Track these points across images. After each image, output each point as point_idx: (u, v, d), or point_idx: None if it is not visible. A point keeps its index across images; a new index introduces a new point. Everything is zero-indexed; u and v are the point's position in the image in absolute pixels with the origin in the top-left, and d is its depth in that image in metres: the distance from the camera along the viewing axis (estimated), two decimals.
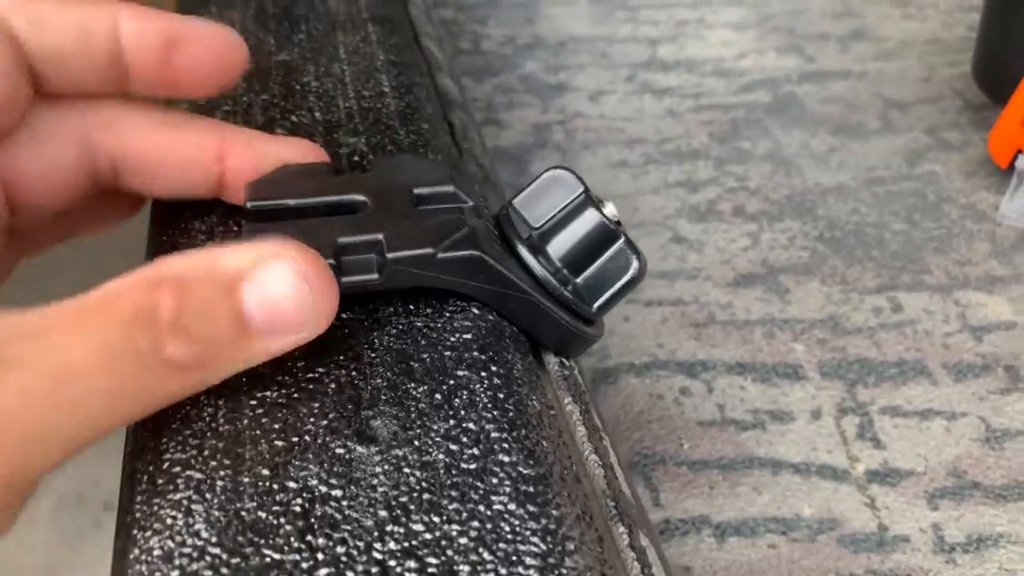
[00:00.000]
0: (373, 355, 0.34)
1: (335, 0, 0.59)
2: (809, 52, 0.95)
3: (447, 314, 0.36)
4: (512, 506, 0.28)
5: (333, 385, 0.33)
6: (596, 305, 0.39)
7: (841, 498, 0.53)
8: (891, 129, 0.83)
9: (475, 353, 0.34)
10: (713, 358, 0.63)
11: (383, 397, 0.32)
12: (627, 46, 0.96)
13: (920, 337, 0.63)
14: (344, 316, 0.36)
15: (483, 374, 0.33)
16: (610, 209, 0.40)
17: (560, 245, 0.39)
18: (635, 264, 0.39)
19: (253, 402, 0.32)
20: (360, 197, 0.38)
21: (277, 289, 0.30)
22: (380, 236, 0.36)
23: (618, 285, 0.39)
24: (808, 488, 0.54)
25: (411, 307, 0.37)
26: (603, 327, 0.42)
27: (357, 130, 0.47)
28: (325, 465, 0.30)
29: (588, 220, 0.39)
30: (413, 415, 0.32)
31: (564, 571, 0.27)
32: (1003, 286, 0.66)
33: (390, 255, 0.35)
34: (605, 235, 0.39)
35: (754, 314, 0.66)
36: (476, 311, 0.37)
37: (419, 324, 0.36)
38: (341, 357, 0.34)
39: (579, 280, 0.39)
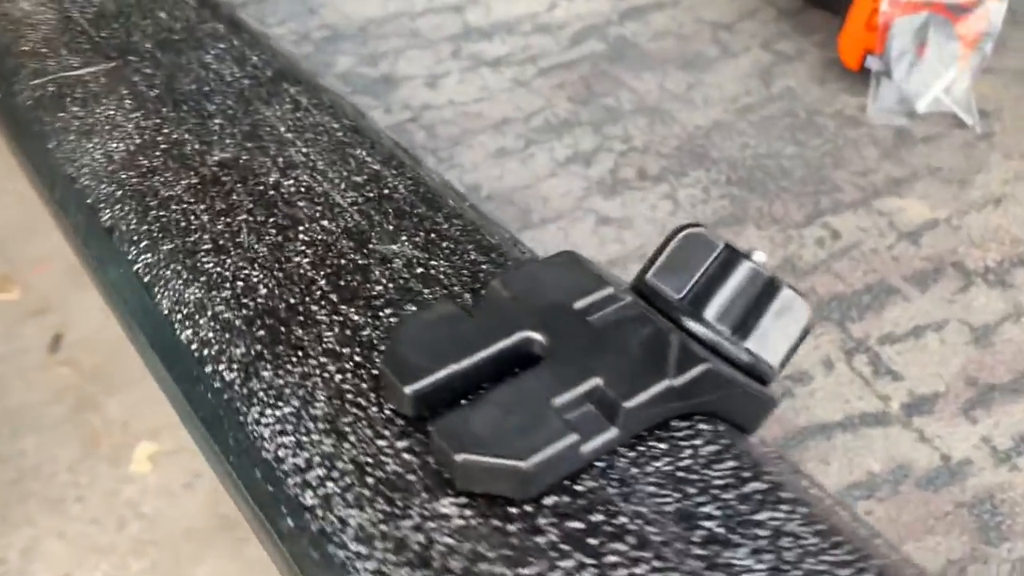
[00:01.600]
0: (656, 531, 0.28)
1: (216, 62, 0.48)
2: None
3: (683, 442, 0.31)
4: None
5: None
6: (779, 363, 0.36)
7: (896, 442, 0.55)
8: (729, 52, 0.84)
9: (754, 484, 0.30)
10: None
11: None
12: (432, 18, 0.89)
13: (870, 257, 0.65)
14: (582, 489, 0.30)
15: (784, 507, 0.29)
16: (760, 257, 0.36)
17: (718, 308, 0.35)
18: (806, 310, 0.36)
19: None
20: (530, 334, 0.31)
21: None
22: (597, 381, 0.30)
23: (796, 336, 0.36)
24: (864, 442, 0.55)
25: (641, 449, 0.31)
26: None
27: (389, 232, 0.39)
28: None
29: (742, 275, 0.35)
30: None
31: None
32: (908, 186, 0.70)
33: (626, 403, 0.29)
34: (766, 287, 0.35)
35: None
36: (703, 425, 0.32)
37: (668, 468, 0.30)
38: (625, 547, 0.28)
39: (750, 341, 0.35)
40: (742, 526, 0.29)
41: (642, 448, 0.31)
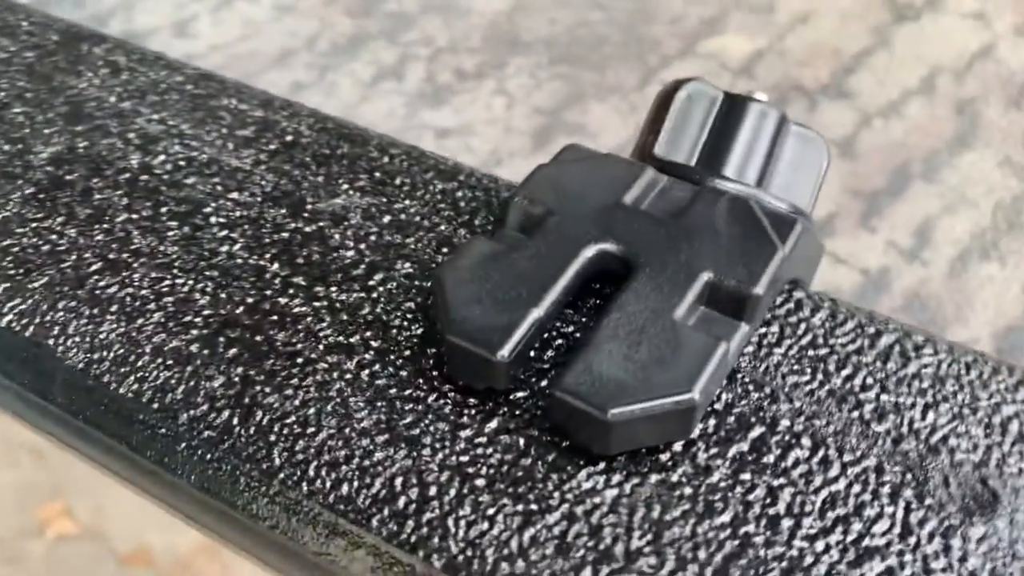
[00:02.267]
0: (824, 423, 0.24)
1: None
2: None
3: (787, 317, 0.27)
4: None
5: (856, 488, 0.23)
6: (811, 205, 0.32)
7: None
8: None
9: (884, 338, 0.26)
10: None
11: (912, 456, 0.24)
12: None
13: None
14: (722, 406, 0.25)
15: (927, 351, 0.26)
16: (762, 96, 0.32)
17: (737, 163, 0.30)
18: (823, 145, 0.32)
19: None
20: (604, 246, 0.25)
21: None
22: (708, 275, 0.25)
23: (820, 176, 0.32)
24: None
25: (755, 342, 0.26)
26: None
27: (324, 185, 0.30)
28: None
29: (752, 120, 0.31)
30: (964, 446, 0.24)
31: None
32: (720, 24, 0.69)
33: (755, 289, 0.24)
34: (777, 128, 0.31)
35: None
36: (797, 294, 0.28)
37: (796, 352, 0.26)
38: (804, 453, 0.23)
39: (774, 188, 0.31)
40: (901, 384, 0.25)
41: (755, 340, 0.27)
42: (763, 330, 0.27)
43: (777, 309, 0.27)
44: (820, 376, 0.26)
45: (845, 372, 0.26)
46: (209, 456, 0.25)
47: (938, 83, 0.62)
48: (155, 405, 0.26)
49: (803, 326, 0.27)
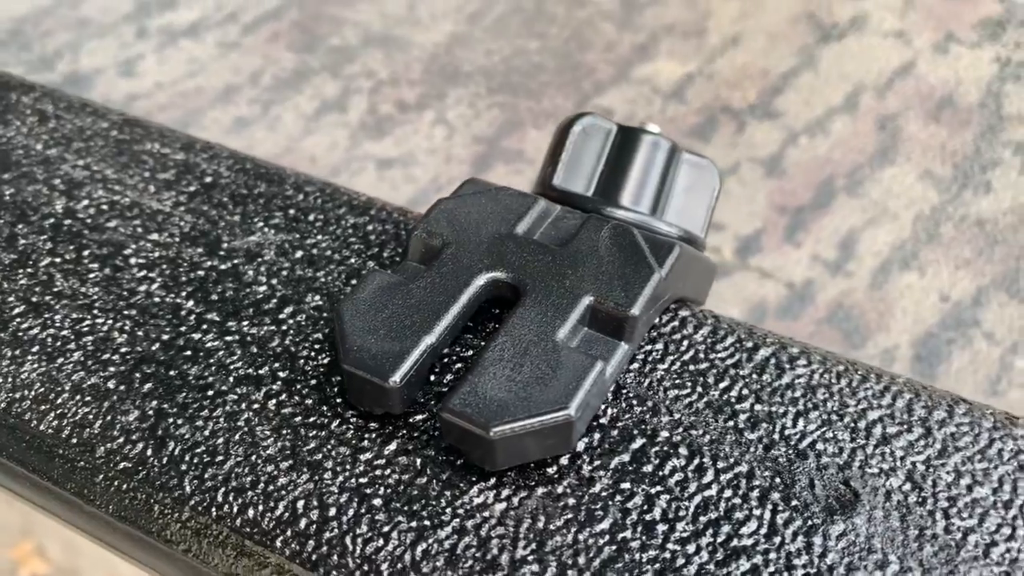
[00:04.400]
0: (700, 434, 0.26)
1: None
2: None
3: (671, 335, 0.29)
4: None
5: (727, 493, 0.25)
6: (703, 229, 0.34)
7: (743, 285, 0.56)
8: None
9: (761, 351, 0.28)
10: None
11: (782, 460, 0.26)
12: (97, 1, 0.77)
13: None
14: (606, 421, 0.26)
15: (801, 363, 0.28)
16: (654, 128, 0.34)
17: (632, 192, 0.32)
18: (715, 171, 0.34)
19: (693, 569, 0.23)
20: (493, 275, 0.27)
21: None
22: (588, 299, 0.26)
23: (712, 201, 0.34)
24: (716, 294, 0.56)
25: (641, 359, 0.28)
26: None
27: (240, 223, 0.32)
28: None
29: (644, 151, 0.33)
30: (830, 449, 0.26)
31: None
32: (652, 49, 0.72)
33: (632, 311, 0.26)
34: (669, 156, 0.33)
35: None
36: (682, 312, 0.29)
37: (677, 367, 0.28)
38: (682, 462, 0.25)
39: (669, 215, 0.33)
40: (775, 394, 0.27)
41: (640, 357, 0.28)
42: (648, 347, 0.29)
43: (663, 327, 0.29)
44: (699, 389, 0.28)
45: (723, 384, 0.28)
46: (125, 487, 0.26)
47: (861, 100, 0.65)
48: (74, 440, 0.27)
49: (686, 343, 0.29)
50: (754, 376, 0.28)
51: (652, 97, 0.67)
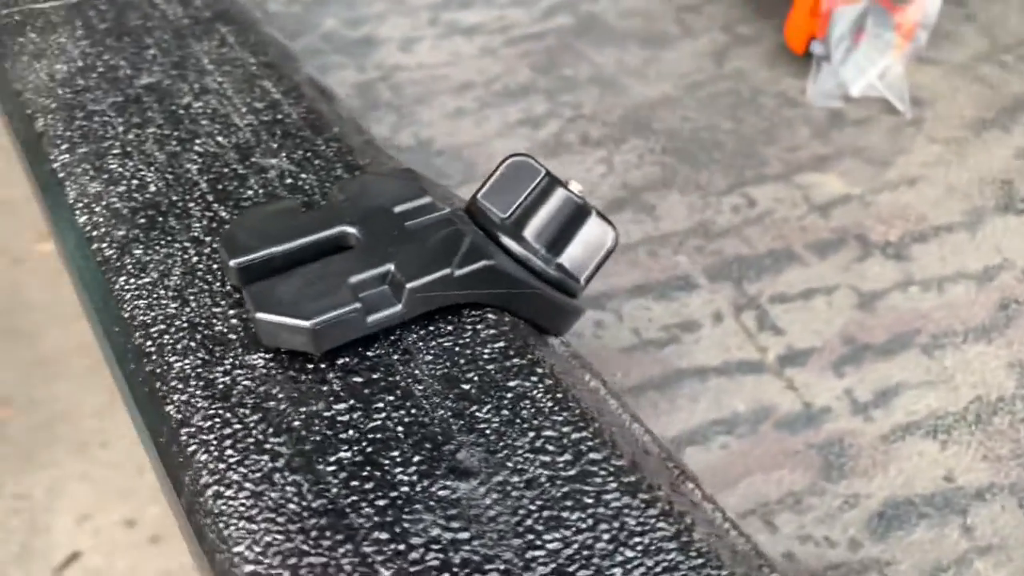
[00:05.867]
0: (422, 388, 0.34)
1: (164, 2, 0.54)
2: None
3: (468, 326, 0.37)
4: (626, 499, 0.30)
5: (400, 428, 0.33)
6: (584, 278, 0.41)
7: (765, 387, 0.59)
8: (690, 33, 0.88)
9: (515, 360, 0.35)
10: (612, 287, 0.66)
11: (454, 427, 0.33)
12: None
13: (780, 225, 0.70)
14: (372, 354, 0.35)
15: (533, 378, 0.34)
16: (575, 187, 0.42)
17: (535, 229, 0.40)
18: (612, 234, 0.41)
19: (333, 467, 0.31)
20: (347, 228, 0.37)
21: None
22: (391, 266, 0.35)
23: (600, 257, 0.41)
24: (735, 386, 0.60)
25: (432, 328, 0.36)
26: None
27: (272, 149, 0.45)
28: (437, 511, 0.30)
29: (558, 201, 0.40)
30: (492, 437, 0.33)
31: (697, 545, 0.29)
32: (830, 163, 0.74)
33: (409, 284, 0.35)
34: (578, 212, 0.41)
35: (633, 236, 0.70)
36: (492, 316, 0.37)
37: (448, 344, 0.36)
38: (392, 398, 0.34)
39: (562, 258, 0.40)
40: (492, 389, 0.34)
41: (432, 328, 0.37)
42: (443, 324, 0.37)
43: (465, 317, 0.37)
44: (449, 364, 0.36)
45: (466, 367, 0.35)
46: (96, 271, 0.40)
47: (1000, 276, 0.64)
48: (86, 235, 0.42)
49: (469, 333, 0.37)
50: (491, 372, 0.35)
51: (799, 203, 0.70)
